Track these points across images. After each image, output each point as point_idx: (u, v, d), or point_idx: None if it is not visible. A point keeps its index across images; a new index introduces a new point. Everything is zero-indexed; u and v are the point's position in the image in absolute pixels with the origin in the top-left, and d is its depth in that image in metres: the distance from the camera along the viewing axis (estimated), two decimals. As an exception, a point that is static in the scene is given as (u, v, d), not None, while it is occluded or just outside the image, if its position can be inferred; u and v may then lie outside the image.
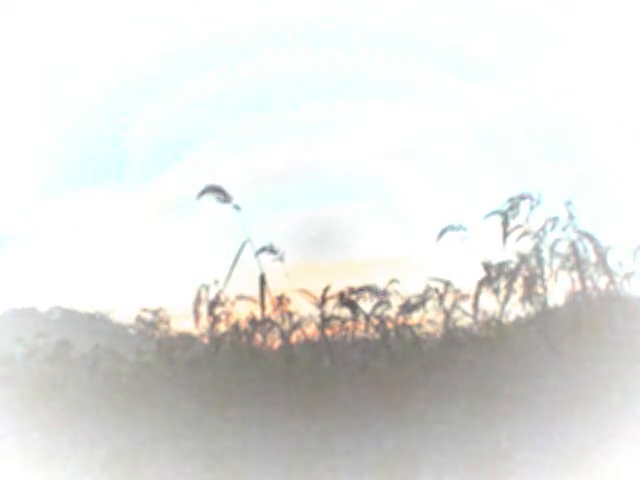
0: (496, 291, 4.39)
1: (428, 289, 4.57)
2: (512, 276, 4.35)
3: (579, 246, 4.28)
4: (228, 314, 4.72)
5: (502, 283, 4.37)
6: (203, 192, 4.49)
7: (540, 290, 4.31)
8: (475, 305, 4.45)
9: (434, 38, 6.47)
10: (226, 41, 6.62)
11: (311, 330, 4.61)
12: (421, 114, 6.74)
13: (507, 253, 4.40)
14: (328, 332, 4.58)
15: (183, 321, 5.08)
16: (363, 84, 6.80)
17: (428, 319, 4.58)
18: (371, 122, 6.92)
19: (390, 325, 4.54)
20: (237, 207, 4.48)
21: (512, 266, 4.38)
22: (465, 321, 4.53)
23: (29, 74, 6.46)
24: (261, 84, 6.85)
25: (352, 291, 4.57)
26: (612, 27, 5.80)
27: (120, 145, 6.91)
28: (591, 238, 4.28)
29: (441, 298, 4.55)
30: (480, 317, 4.46)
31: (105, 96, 6.71)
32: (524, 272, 4.35)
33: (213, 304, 4.67)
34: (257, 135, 6.91)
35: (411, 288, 4.59)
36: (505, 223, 4.37)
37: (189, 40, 6.66)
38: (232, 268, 4.45)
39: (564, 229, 4.32)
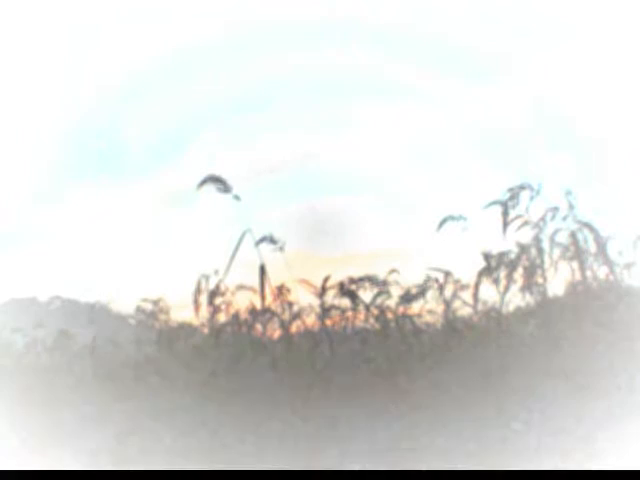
0: (496, 281, 4.39)
1: (428, 279, 4.58)
2: (512, 266, 4.36)
3: (579, 236, 4.28)
4: (228, 304, 4.72)
5: (502, 273, 4.37)
6: (203, 182, 4.48)
7: (540, 280, 4.32)
8: (475, 295, 4.45)
9: (434, 37, 6.46)
10: (226, 37, 6.60)
11: (311, 320, 4.61)
12: (421, 107, 6.73)
13: (507, 243, 4.40)
14: (328, 322, 4.58)
15: (183, 311, 5.09)
16: (363, 81, 6.79)
17: (428, 309, 4.59)
18: (371, 115, 6.91)
19: (390, 315, 4.55)
20: (237, 197, 4.48)
21: (512, 256, 4.38)
22: (465, 311, 4.54)
23: (28, 70, 6.45)
24: (262, 79, 6.84)
25: (352, 281, 4.57)
26: (612, 20, 5.79)
27: (120, 137, 6.90)
28: (591, 228, 4.28)
29: (441, 288, 4.56)
30: (480, 307, 4.47)
31: (105, 90, 6.70)
32: (524, 262, 4.35)
33: (213, 294, 4.67)
34: (258, 126, 6.90)
35: (411, 278, 4.60)
36: (505, 213, 4.36)
37: (189, 36, 6.64)
38: (232, 258, 4.45)
39: (564, 219, 4.31)
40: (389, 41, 6.58)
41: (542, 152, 5.89)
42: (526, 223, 4.37)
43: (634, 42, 5.59)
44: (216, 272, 4.64)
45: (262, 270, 4.45)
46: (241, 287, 4.68)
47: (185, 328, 5.03)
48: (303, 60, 6.65)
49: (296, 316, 4.63)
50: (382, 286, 4.57)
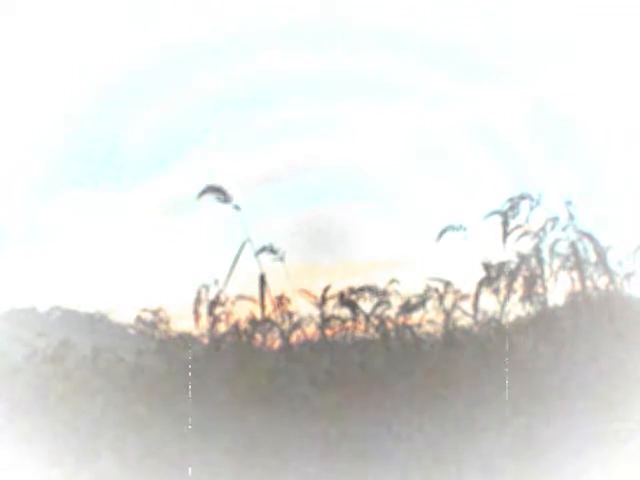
0: (496, 291, 4.38)
1: (428, 289, 4.58)
2: (512, 276, 4.35)
3: (579, 246, 4.28)
4: (228, 314, 4.72)
5: (502, 283, 4.37)
6: (203, 192, 4.49)
7: (540, 290, 4.31)
8: (475, 305, 4.45)
9: (434, 37, 6.47)
10: (226, 41, 6.61)
11: (311, 330, 4.61)
12: (421, 114, 6.74)
13: (507, 253, 4.40)
14: (328, 332, 4.58)
15: (183, 321, 5.08)
16: (363, 84, 6.79)
17: (428, 319, 4.58)
18: (371, 122, 6.92)
19: (390, 325, 4.55)
20: (237, 207, 4.49)
21: (512, 266, 4.37)
22: (465, 321, 4.53)
23: (27, 74, 6.46)
24: (261, 84, 6.85)
25: (352, 291, 4.57)
26: (614, 26, 5.79)
27: (119, 144, 6.90)
28: (591, 238, 4.28)
29: (441, 298, 4.56)
30: (480, 317, 4.46)
31: (104, 95, 6.71)
32: (524, 272, 4.35)
33: (213, 304, 4.67)
34: (257, 135, 6.90)
35: (411, 288, 4.60)
36: (505, 223, 4.36)
37: (188, 39, 6.65)
38: (232, 268, 4.46)
39: (564, 229, 4.31)
40: (389, 42, 6.59)
41: (542, 162, 5.90)
42: (526, 233, 4.37)
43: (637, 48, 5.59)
44: (216, 282, 4.64)
45: (262, 280, 4.45)
46: (241, 297, 4.67)
47: (185, 338, 5.02)
48: (302, 61, 6.67)
49: (296, 326, 4.62)
50: (382, 296, 4.57)
